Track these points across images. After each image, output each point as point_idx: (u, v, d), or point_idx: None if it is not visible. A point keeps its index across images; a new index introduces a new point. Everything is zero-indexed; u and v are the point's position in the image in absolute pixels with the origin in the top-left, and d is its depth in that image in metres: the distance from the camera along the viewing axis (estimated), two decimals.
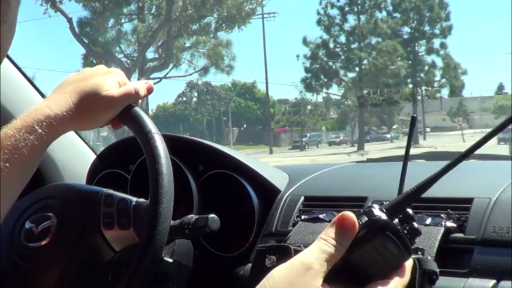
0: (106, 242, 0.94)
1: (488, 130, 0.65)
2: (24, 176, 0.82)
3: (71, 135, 1.45)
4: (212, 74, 32.49)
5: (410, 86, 39.62)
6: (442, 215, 1.08)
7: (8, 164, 0.76)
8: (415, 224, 0.65)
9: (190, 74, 33.09)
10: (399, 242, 0.61)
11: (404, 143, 0.95)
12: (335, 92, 43.83)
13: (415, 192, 0.64)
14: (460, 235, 1.06)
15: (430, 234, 1.03)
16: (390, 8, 38.95)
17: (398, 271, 0.62)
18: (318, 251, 0.58)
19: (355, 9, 38.20)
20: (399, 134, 45.26)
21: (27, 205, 1.00)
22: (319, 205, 1.26)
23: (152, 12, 30.34)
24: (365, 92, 37.62)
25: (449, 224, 1.06)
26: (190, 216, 0.94)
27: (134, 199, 0.94)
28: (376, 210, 0.63)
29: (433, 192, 1.19)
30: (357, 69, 37.39)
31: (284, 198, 1.31)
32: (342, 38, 38.14)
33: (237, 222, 1.32)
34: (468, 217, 1.07)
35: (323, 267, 0.57)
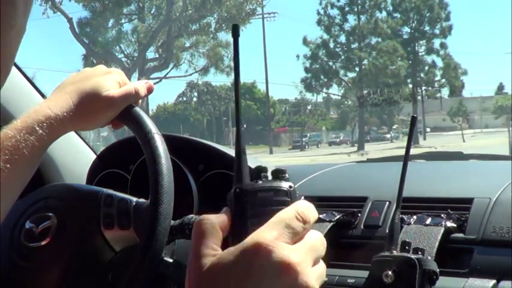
0: (106, 242, 0.94)
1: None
2: (25, 177, 0.82)
3: (71, 135, 1.45)
4: (212, 74, 32.49)
5: (410, 86, 39.63)
6: (442, 215, 1.08)
7: (8, 165, 0.77)
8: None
9: (190, 74, 33.13)
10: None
11: (404, 143, 0.95)
12: (335, 92, 43.87)
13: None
14: (460, 235, 1.06)
15: (430, 234, 1.03)
16: (390, 8, 38.98)
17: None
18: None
19: (355, 9, 38.20)
20: (399, 134, 45.26)
21: (27, 205, 1.00)
22: (319, 205, 1.24)
23: (152, 12, 30.35)
24: (365, 92, 37.63)
25: (449, 224, 1.06)
26: (190, 216, 0.94)
27: (134, 199, 0.94)
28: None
29: (433, 192, 1.20)
30: (357, 69, 37.40)
31: None
32: (342, 38, 38.18)
33: None
34: (468, 217, 1.07)
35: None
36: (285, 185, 0.56)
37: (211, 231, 0.52)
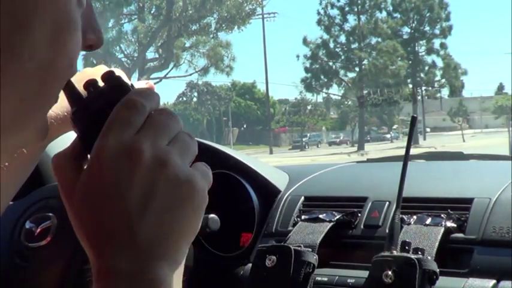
0: None
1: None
2: (22, 176, 0.82)
3: (71, 135, 1.45)
4: (212, 74, 32.51)
5: (410, 86, 39.64)
6: (442, 215, 1.08)
7: (7, 164, 0.77)
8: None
9: (190, 74, 33.14)
10: None
11: (404, 143, 0.95)
12: (335, 92, 43.85)
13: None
14: (460, 235, 1.06)
15: (430, 234, 1.03)
16: (390, 8, 38.97)
17: None
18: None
19: (355, 9, 38.21)
20: (399, 134, 45.25)
21: (28, 205, 1.00)
22: (319, 205, 1.26)
23: (152, 12, 30.35)
24: (365, 92, 37.64)
25: (449, 224, 1.06)
26: None
27: None
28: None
29: (433, 192, 1.20)
30: (357, 69, 37.40)
31: (284, 198, 1.31)
32: (342, 38, 38.16)
33: (237, 222, 1.32)
34: (468, 217, 1.07)
35: None
36: (112, 84, 0.51)
37: (64, 164, 0.50)
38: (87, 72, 0.91)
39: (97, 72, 0.90)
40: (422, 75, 39.59)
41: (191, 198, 0.49)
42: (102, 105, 0.50)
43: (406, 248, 0.95)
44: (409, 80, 39.18)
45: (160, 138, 0.48)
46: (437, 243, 1.01)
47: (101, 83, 0.51)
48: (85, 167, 0.49)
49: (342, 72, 38.19)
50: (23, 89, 0.44)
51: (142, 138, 0.47)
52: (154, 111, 0.50)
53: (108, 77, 0.51)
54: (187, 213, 0.49)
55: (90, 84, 0.51)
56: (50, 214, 0.97)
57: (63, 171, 0.50)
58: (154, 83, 0.96)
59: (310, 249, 1.09)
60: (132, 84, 0.53)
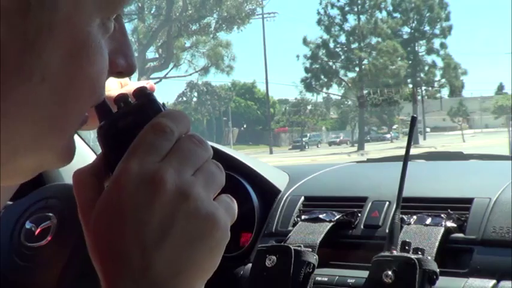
0: None
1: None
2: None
3: None
4: (212, 74, 32.51)
5: (410, 86, 39.64)
6: (442, 215, 1.08)
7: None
8: None
9: (190, 74, 33.16)
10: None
11: (404, 143, 0.95)
12: (335, 92, 43.85)
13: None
14: (460, 235, 1.06)
15: (430, 234, 1.03)
16: (390, 8, 38.97)
17: None
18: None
19: (355, 9, 38.20)
20: (399, 134, 45.23)
21: (27, 205, 1.00)
22: (319, 205, 1.26)
23: (152, 12, 30.35)
24: (365, 92, 37.64)
25: (449, 224, 1.06)
26: None
27: None
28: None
29: (433, 192, 1.20)
30: (357, 69, 37.40)
31: (284, 198, 1.31)
32: (342, 38, 38.16)
33: (237, 222, 1.32)
34: (468, 217, 1.07)
35: None
36: (140, 103, 0.49)
37: (85, 181, 0.48)
38: None
39: None
40: (422, 75, 39.59)
41: (211, 235, 0.46)
42: (131, 124, 0.48)
43: (406, 248, 0.95)
44: (409, 80, 39.17)
45: (186, 168, 0.46)
46: (437, 243, 1.01)
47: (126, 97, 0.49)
48: (106, 185, 0.48)
49: (342, 72, 38.18)
50: (36, 111, 0.42)
51: (166, 167, 0.45)
52: (182, 138, 0.48)
53: (140, 93, 0.50)
54: (205, 250, 0.47)
55: (121, 98, 0.49)
56: (50, 214, 0.97)
57: (83, 188, 0.49)
58: (155, 83, 0.96)
59: (310, 249, 1.09)
60: (163, 104, 0.51)
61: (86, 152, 1.52)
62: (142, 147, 0.46)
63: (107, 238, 0.45)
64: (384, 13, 38.87)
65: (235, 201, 0.50)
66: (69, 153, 0.48)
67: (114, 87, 0.88)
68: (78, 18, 0.42)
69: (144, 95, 0.49)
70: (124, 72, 0.50)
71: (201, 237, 0.46)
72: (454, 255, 1.04)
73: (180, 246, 0.45)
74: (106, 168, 0.49)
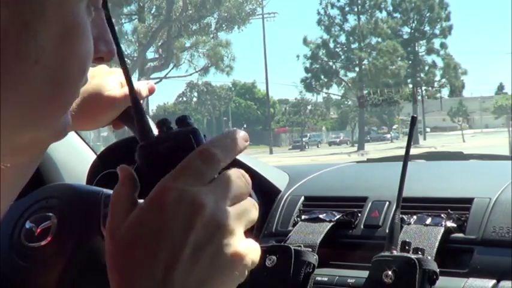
0: None
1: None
2: (24, 177, 0.82)
3: (71, 135, 1.45)
4: (212, 74, 32.48)
5: (410, 86, 39.66)
6: (442, 215, 1.08)
7: (8, 164, 0.77)
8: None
9: (190, 74, 33.12)
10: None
11: (404, 143, 0.95)
12: (335, 92, 43.87)
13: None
14: (460, 235, 1.06)
15: (430, 234, 1.03)
16: (390, 8, 38.98)
17: None
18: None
19: (355, 9, 38.21)
20: (399, 134, 45.25)
21: (28, 205, 1.00)
22: (319, 205, 1.26)
23: (152, 12, 30.35)
24: (365, 92, 37.65)
25: (449, 224, 1.06)
26: None
27: None
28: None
29: (433, 192, 1.20)
30: (357, 69, 37.40)
31: (284, 198, 1.31)
32: (342, 38, 38.18)
33: None
34: (468, 217, 1.07)
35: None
36: (186, 130, 0.52)
37: (121, 201, 0.51)
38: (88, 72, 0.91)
39: (98, 72, 0.90)
40: (422, 75, 39.59)
41: (233, 270, 0.48)
42: (172, 149, 0.51)
43: (406, 248, 0.95)
44: (409, 80, 39.19)
45: (226, 199, 0.48)
46: (437, 243, 1.01)
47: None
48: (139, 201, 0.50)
49: (342, 72, 38.20)
50: (31, 92, 0.43)
51: (208, 194, 0.47)
52: (229, 170, 0.50)
53: (183, 121, 0.52)
54: (224, 283, 0.48)
55: (163, 123, 0.52)
56: (50, 214, 0.97)
57: (118, 207, 0.51)
58: (155, 83, 0.96)
59: (310, 249, 1.09)
60: (205, 135, 0.53)
61: (86, 152, 1.52)
62: (187, 171, 0.48)
63: (135, 252, 0.46)
64: (384, 13, 38.91)
65: (259, 248, 0.51)
66: (62, 130, 0.50)
67: (115, 86, 0.88)
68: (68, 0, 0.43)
69: (186, 123, 0.53)
70: (104, 57, 0.52)
71: (223, 269, 0.47)
72: (454, 255, 1.04)
73: (204, 275, 0.46)
74: (143, 186, 0.51)
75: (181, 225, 0.46)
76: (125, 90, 0.89)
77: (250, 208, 0.50)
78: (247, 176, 0.51)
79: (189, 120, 0.53)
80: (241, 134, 0.52)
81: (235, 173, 0.50)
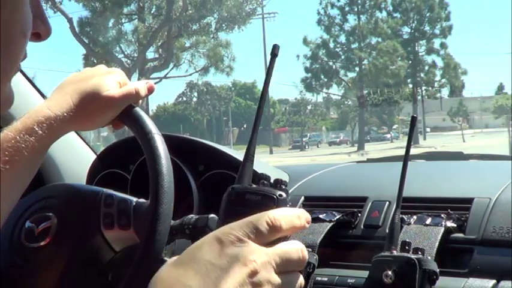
0: (106, 242, 0.94)
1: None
2: (25, 178, 0.82)
3: (71, 135, 1.45)
4: (212, 74, 32.45)
5: (410, 86, 39.65)
6: (442, 215, 1.08)
7: (8, 166, 0.77)
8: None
9: (190, 74, 33.08)
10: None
11: (404, 143, 0.95)
12: (335, 92, 43.81)
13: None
14: (460, 235, 1.06)
15: (430, 234, 1.03)
16: (390, 8, 38.97)
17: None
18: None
19: (355, 9, 38.20)
20: (399, 134, 45.24)
21: (27, 205, 1.00)
22: (319, 205, 1.26)
23: (152, 12, 30.32)
24: (365, 92, 37.64)
25: (449, 224, 1.06)
26: (190, 216, 0.94)
27: (134, 199, 0.94)
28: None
29: (433, 192, 1.20)
30: (357, 69, 37.40)
31: None
32: (342, 38, 38.17)
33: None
34: (468, 217, 1.07)
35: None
36: (275, 192, 0.58)
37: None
38: (87, 72, 0.91)
39: (97, 72, 0.90)
40: (422, 75, 39.58)
41: None
42: (253, 202, 0.57)
43: (406, 248, 0.95)
44: (409, 80, 39.18)
45: (277, 267, 0.52)
46: (437, 243, 1.01)
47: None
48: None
49: (342, 72, 38.19)
50: None
51: (261, 255, 0.52)
52: (290, 242, 0.55)
53: (279, 184, 0.60)
54: None
55: (263, 178, 0.60)
56: (50, 214, 0.97)
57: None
58: (155, 83, 0.96)
59: (310, 249, 1.08)
60: (290, 205, 0.59)
61: (86, 151, 1.52)
62: (251, 227, 0.53)
63: (180, 281, 0.51)
64: (384, 13, 38.91)
65: None
66: (8, 100, 0.56)
67: (113, 86, 0.88)
68: None
69: (280, 189, 0.60)
70: (42, 34, 0.56)
71: None
72: (454, 255, 1.04)
73: None
74: (220, 222, 0.58)
75: (228, 273, 0.50)
76: (123, 90, 0.89)
77: (295, 283, 0.55)
78: (305, 252, 0.55)
79: (285, 186, 0.60)
80: (306, 216, 0.57)
81: (294, 246, 0.55)
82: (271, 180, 0.61)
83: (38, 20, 0.55)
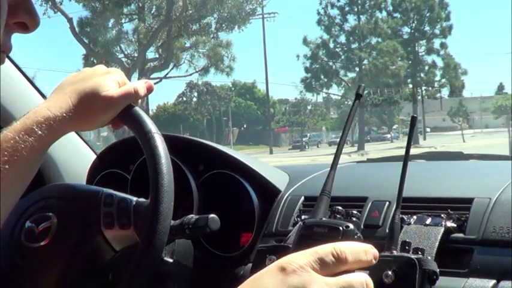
0: (106, 241, 0.94)
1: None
2: (25, 178, 0.82)
3: (71, 135, 1.45)
4: (212, 74, 32.45)
5: (410, 86, 39.63)
6: (442, 215, 1.08)
7: (7, 166, 0.77)
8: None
9: (190, 74, 33.07)
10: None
11: (404, 143, 0.95)
12: (335, 92, 43.84)
13: None
14: (460, 235, 1.06)
15: (430, 234, 1.03)
16: (390, 8, 38.95)
17: None
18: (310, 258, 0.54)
19: (355, 9, 38.20)
20: (399, 134, 45.25)
21: (28, 205, 1.00)
22: None
23: (152, 12, 30.31)
24: (365, 92, 37.57)
25: (449, 224, 1.06)
26: (190, 216, 0.94)
27: (134, 199, 0.94)
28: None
29: (433, 192, 1.20)
30: (357, 69, 37.39)
31: (284, 198, 1.31)
32: (342, 38, 38.18)
33: (237, 222, 1.32)
34: (468, 217, 1.07)
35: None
36: (341, 224, 0.61)
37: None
38: (86, 72, 0.91)
39: (96, 72, 0.90)
40: (422, 75, 39.57)
41: None
42: (320, 235, 0.61)
43: (406, 248, 0.95)
44: (409, 80, 39.17)
45: None
46: (437, 243, 1.01)
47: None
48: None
49: (342, 72, 38.19)
50: None
51: (323, 285, 0.51)
52: (354, 273, 0.54)
53: (350, 215, 0.65)
54: None
55: (337, 212, 0.65)
56: (50, 214, 0.97)
57: None
58: (154, 83, 0.96)
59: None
60: (359, 235, 0.62)
61: (86, 151, 1.52)
62: (316, 257, 0.53)
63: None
64: (384, 13, 38.89)
65: None
66: None
67: (112, 86, 0.88)
68: None
69: (350, 221, 0.63)
70: (29, 25, 0.56)
71: None
72: (454, 255, 1.04)
73: None
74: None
75: None
76: (123, 89, 0.89)
77: None
78: (370, 284, 0.55)
79: (356, 218, 0.65)
80: (374, 252, 0.58)
81: (358, 278, 0.54)
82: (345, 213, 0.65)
83: (22, 10, 0.54)
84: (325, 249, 0.53)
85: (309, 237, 0.60)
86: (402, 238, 1.01)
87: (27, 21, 0.55)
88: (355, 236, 0.60)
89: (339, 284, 0.52)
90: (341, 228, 0.59)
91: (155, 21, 29.70)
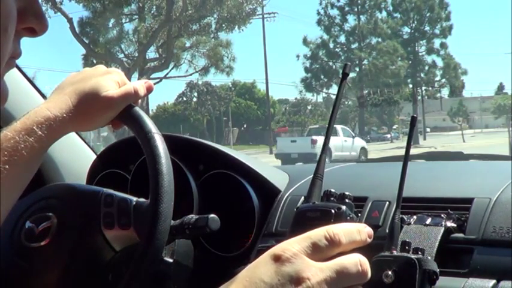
0: (106, 241, 0.94)
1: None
2: (24, 178, 0.82)
3: (71, 135, 1.45)
4: (212, 74, 32.44)
5: (410, 86, 39.65)
6: (442, 215, 1.08)
7: (7, 166, 0.77)
8: None
9: (190, 74, 33.07)
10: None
11: (404, 143, 0.95)
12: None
13: None
14: (460, 235, 1.06)
15: (430, 234, 1.03)
16: (390, 8, 38.97)
17: None
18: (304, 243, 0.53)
19: (355, 9, 38.21)
20: (399, 134, 45.20)
21: (28, 205, 1.00)
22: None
23: (152, 12, 30.31)
24: (365, 92, 37.66)
25: (449, 224, 1.06)
26: (190, 216, 0.94)
27: (134, 199, 0.94)
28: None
29: (433, 192, 1.20)
30: (357, 69, 37.40)
31: (284, 198, 1.31)
32: (342, 38, 38.21)
33: (237, 222, 1.32)
34: (468, 217, 1.07)
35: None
36: (333, 206, 0.60)
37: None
38: (86, 73, 0.91)
39: (96, 72, 0.90)
40: (422, 75, 39.59)
41: None
42: (313, 219, 0.59)
43: (406, 248, 0.95)
44: (409, 80, 39.18)
45: (334, 284, 0.51)
46: (437, 243, 1.01)
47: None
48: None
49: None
50: None
51: (317, 272, 0.51)
52: (349, 257, 0.54)
53: (343, 198, 0.62)
54: None
55: (330, 195, 0.63)
56: (50, 214, 0.97)
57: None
58: (155, 83, 0.96)
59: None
60: (352, 216, 0.62)
61: (86, 151, 1.52)
62: (309, 242, 0.52)
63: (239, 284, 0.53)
64: (384, 13, 38.91)
65: None
66: (2, 96, 0.54)
67: (112, 87, 0.88)
68: None
69: (343, 203, 0.62)
70: (37, 29, 0.55)
71: None
72: (454, 255, 1.04)
73: None
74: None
75: (280, 284, 0.50)
76: (122, 90, 0.89)
77: None
78: (366, 265, 0.54)
79: (349, 199, 0.62)
80: (368, 230, 0.57)
81: (352, 259, 0.54)
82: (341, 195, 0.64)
83: (30, 15, 0.54)
84: (318, 234, 0.53)
85: (303, 222, 0.59)
86: (402, 238, 1.01)
87: (35, 26, 0.55)
88: (348, 217, 0.59)
89: (332, 268, 0.52)
90: (333, 210, 0.59)
91: (155, 21, 29.69)
